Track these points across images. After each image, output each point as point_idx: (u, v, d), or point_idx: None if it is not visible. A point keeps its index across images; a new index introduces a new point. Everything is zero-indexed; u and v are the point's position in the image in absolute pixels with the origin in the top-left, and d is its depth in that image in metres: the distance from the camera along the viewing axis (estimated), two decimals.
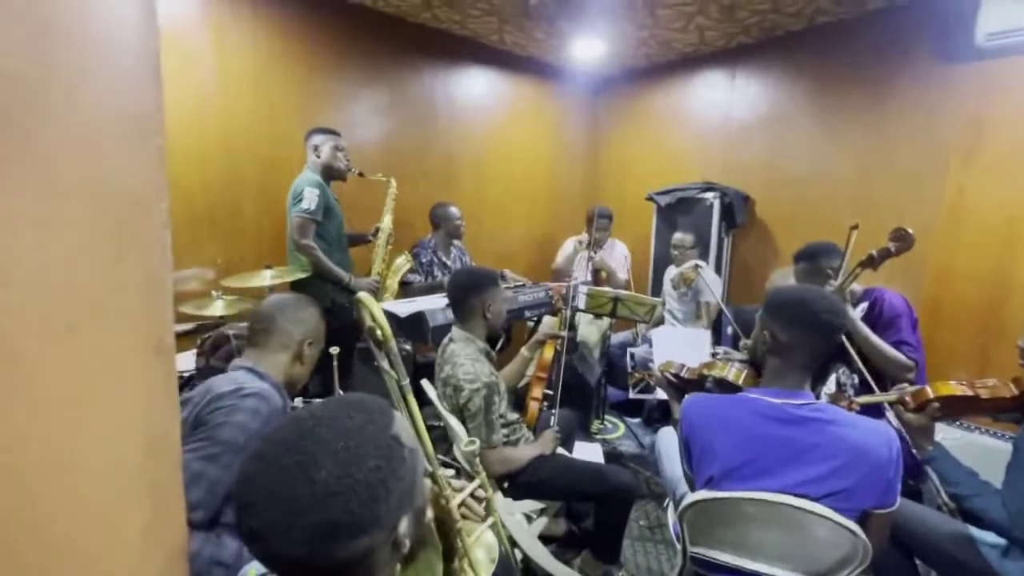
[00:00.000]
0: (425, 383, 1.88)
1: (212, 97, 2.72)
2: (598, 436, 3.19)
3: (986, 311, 2.64)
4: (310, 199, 2.36)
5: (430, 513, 0.78)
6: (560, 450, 1.97)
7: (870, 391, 1.80)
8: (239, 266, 2.61)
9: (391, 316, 2.27)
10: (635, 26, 3.25)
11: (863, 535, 1.15)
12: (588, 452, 2.41)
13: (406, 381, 0.86)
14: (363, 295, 0.88)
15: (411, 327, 2.24)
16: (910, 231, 1.75)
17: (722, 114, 3.76)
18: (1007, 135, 2.57)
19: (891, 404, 1.50)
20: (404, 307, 2.29)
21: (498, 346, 2.89)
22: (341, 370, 2.20)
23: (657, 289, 3.84)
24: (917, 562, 1.48)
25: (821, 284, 1.92)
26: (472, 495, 0.94)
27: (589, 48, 3.65)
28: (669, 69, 3.99)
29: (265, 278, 2.21)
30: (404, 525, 0.59)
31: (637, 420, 3.42)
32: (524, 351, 2.12)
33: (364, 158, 2.93)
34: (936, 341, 2.64)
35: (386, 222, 2.79)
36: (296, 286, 2.46)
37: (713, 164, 3.77)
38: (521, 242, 4.31)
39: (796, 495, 1.16)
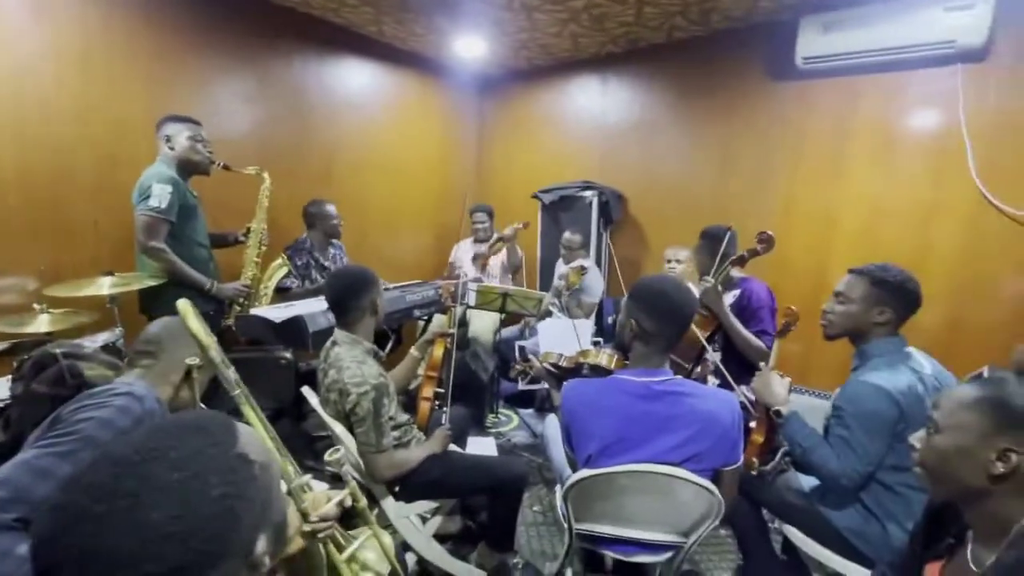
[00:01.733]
0: (306, 390, 1.78)
1: (33, 76, 2.30)
2: (492, 430, 3.25)
3: (811, 295, 3.12)
4: (159, 196, 2.08)
5: (297, 525, 0.74)
6: (453, 447, 1.98)
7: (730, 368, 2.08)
8: (70, 273, 2.25)
9: (266, 323, 2.10)
10: (514, 28, 3.34)
11: (717, 492, 1.31)
12: (482, 447, 2.45)
13: (238, 391, 0.79)
14: (181, 302, 0.80)
15: (289, 333, 2.09)
16: (772, 235, 2.07)
17: (598, 117, 4.01)
18: (822, 146, 3.07)
19: None
20: (280, 312, 2.13)
21: (388, 347, 2.81)
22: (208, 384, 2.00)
23: (546, 283, 4.01)
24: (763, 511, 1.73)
25: (712, 260, 2.23)
26: (344, 505, 0.90)
27: (471, 46, 3.68)
28: (549, 72, 4.16)
29: (103, 286, 1.92)
30: (261, 545, 0.54)
31: (530, 410, 3.54)
32: (414, 351, 2.09)
33: (230, 151, 2.66)
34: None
35: (258, 222, 2.55)
36: (147, 294, 2.17)
37: (591, 164, 4.01)
38: (410, 240, 4.25)
39: (661, 463, 1.29)
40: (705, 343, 2.11)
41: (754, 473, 1.70)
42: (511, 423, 3.41)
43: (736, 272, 2.34)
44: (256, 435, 0.61)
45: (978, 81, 2.63)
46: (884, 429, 1.40)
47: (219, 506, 0.50)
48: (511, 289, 3.01)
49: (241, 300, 2.42)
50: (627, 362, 1.44)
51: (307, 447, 2.44)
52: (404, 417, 1.80)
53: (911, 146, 2.82)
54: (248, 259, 2.49)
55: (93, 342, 1.91)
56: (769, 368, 1.74)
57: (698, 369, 2.34)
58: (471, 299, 3.02)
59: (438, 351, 2.08)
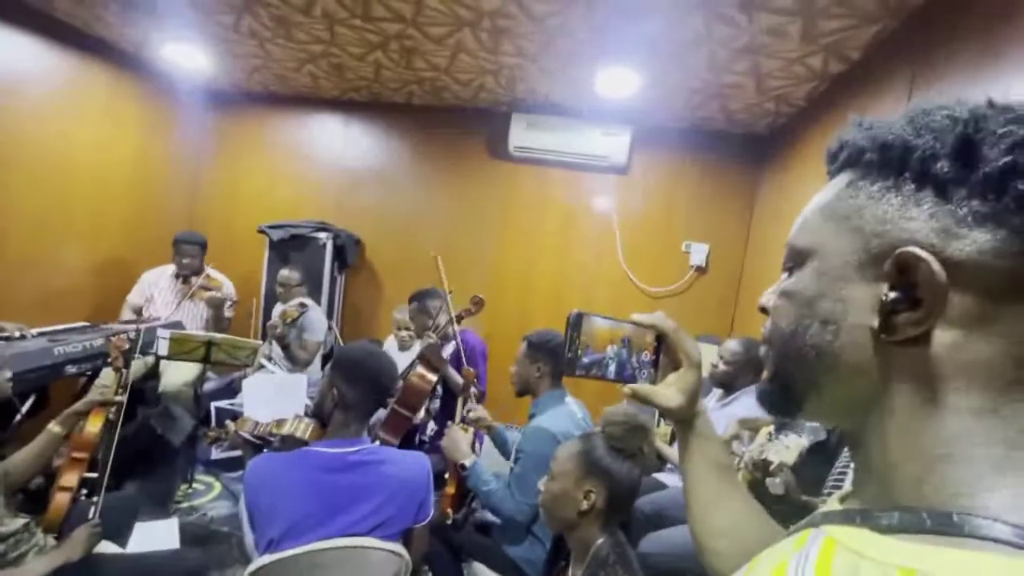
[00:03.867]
0: None
1: None
2: (184, 505, 2.72)
3: (516, 338, 3.64)
4: None
5: None
6: (106, 546, 1.57)
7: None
8: None
9: None
10: (243, 51, 3.06)
11: (406, 553, 1.37)
12: (155, 534, 2.02)
13: None
14: None
15: None
16: (483, 298, 2.53)
17: (337, 159, 3.95)
18: (524, 219, 3.70)
19: None
20: None
21: (16, 420, 2.08)
22: None
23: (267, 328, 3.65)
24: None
25: (426, 320, 2.64)
26: None
27: (185, 55, 3.20)
28: (288, 103, 3.93)
29: None
30: None
31: (237, 473, 3.10)
32: (53, 427, 1.59)
33: None
34: (491, 365, 3.47)
35: None
36: None
37: (328, 205, 3.90)
38: (83, 267, 3.32)
39: (351, 535, 1.29)
40: (431, 392, 2.33)
41: (449, 522, 1.85)
42: (211, 492, 2.92)
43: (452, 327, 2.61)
44: None
45: (623, 188, 3.61)
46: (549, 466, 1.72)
47: None
48: (217, 337, 2.63)
49: None
50: (324, 432, 1.42)
51: None
52: (17, 523, 1.35)
53: (583, 229, 3.66)
54: None
55: None
56: (455, 425, 1.94)
57: (420, 414, 2.56)
58: (162, 348, 2.51)
59: (93, 425, 1.65)
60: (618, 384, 0.60)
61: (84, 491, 1.66)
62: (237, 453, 2.64)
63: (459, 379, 2.50)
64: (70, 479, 1.60)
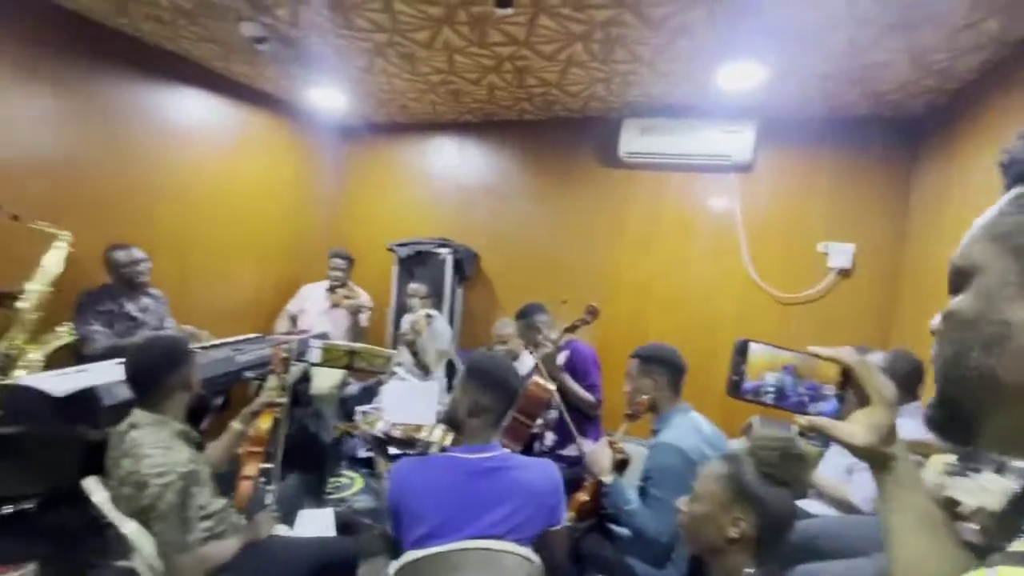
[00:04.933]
0: (91, 483, 1.51)
1: None
2: (333, 496, 3.04)
3: (632, 348, 3.56)
4: None
5: None
6: (280, 528, 1.82)
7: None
8: None
9: (41, 397, 1.74)
10: (375, 88, 3.40)
11: (537, 559, 1.41)
12: (316, 520, 2.28)
13: None
14: None
15: (74, 409, 1.76)
16: (597, 307, 2.47)
17: (454, 178, 4.20)
18: (639, 226, 3.61)
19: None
20: (63, 382, 1.79)
21: (205, 421, 2.48)
22: None
23: (397, 336, 3.97)
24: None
25: (535, 335, 2.61)
26: None
27: (330, 96, 3.64)
28: (410, 130, 4.28)
29: None
30: None
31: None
32: (235, 424, 1.89)
33: (10, 182, 2.23)
34: (607, 375, 3.43)
35: (39, 284, 2.09)
36: None
37: (447, 222, 4.15)
38: (253, 286, 3.89)
39: (487, 537, 1.35)
40: (548, 401, 2.36)
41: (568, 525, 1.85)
42: (354, 486, 3.23)
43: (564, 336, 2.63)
44: None
45: (748, 187, 3.36)
46: (684, 482, 1.65)
47: None
48: (358, 347, 2.93)
49: None
50: (460, 437, 1.51)
51: (95, 536, 2.03)
52: (219, 503, 1.61)
53: (702, 233, 3.47)
54: (19, 320, 2.02)
55: None
56: (604, 441, 1.92)
57: (539, 421, 2.59)
58: (314, 356, 2.86)
59: (265, 424, 1.92)
60: (786, 412, 0.58)
61: (262, 479, 1.93)
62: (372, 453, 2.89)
63: (579, 391, 2.49)
64: (251, 469, 1.87)
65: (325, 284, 3.68)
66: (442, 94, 3.42)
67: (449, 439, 1.68)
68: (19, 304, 2.05)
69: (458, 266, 3.90)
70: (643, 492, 1.77)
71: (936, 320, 0.42)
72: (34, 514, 2.13)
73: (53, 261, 2.12)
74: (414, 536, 1.35)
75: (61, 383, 1.77)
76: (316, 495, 2.96)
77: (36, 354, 2.11)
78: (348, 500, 3.04)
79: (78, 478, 1.59)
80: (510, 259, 4.03)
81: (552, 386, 2.53)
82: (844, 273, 3.15)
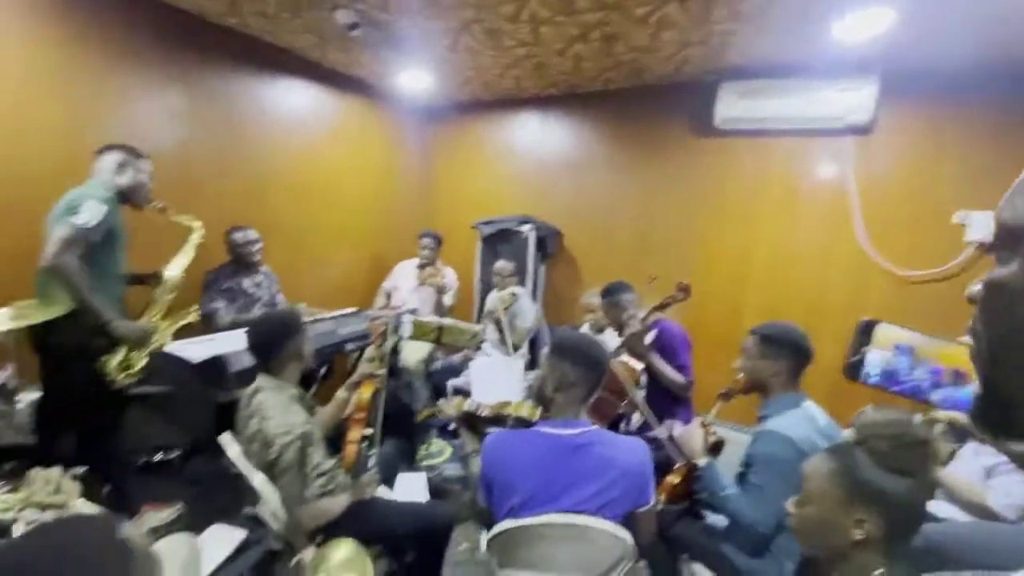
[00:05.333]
0: (226, 438, 1.71)
1: None
2: (424, 463, 3.22)
3: (727, 327, 3.37)
4: (92, 213, 1.91)
5: None
6: (381, 489, 1.96)
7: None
8: None
9: (181, 363, 1.99)
10: (459, 67, 3.42)
11: (629, 537, 1.39)
12: (411, 484, 2.43)
13: None
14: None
15: (207, 373, 2.00)
16: (688, 285, 2.35)
17: (536, 154, 4.16)
18: (737, 197, 3.36)
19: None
20: (198, 349, 2.03)
21: (313, 388, 2.72)
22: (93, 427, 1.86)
23: (482, 313, 4.07)
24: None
25: (620, 315, 2.53)
26: None
27: (416, 78, 3.72)
28: (492, 107, 4.28)
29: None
30: None
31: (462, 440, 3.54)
32: (341, 392, 2.06)
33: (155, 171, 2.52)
34: (699, 355, 3.29)
35: (173, 271, 2.31)
36: (40, 328, 1.94)
37: (529, 199, 4.14)
38: (350, 264, 4.16)
39: (577, 512, 1.36)
40: (635, 381, 2.31)
41: (658, 508, 1.80)
42: (443, 455, 3.39)
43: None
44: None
45: (865, 151, 3.00)
46: (792, 474, 1.55)
47: None
48: (447, 323, 3.04)
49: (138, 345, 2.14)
50: (547, 413, 1.51)
51: (227, 485, 2.31)
52: (330, 463, 1.76)
53: (810, 204, 3.16)
54: (155, 300, 2.25)
55: None
56: (697, 423, 1.85)
57: (624, 403, 2.54)
58: (406, 331, 3.01)
59: (366, 393, 2.06)
60: (920, 402, 0.50)
61: (365, 443, 2.08)
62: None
63: (669, 372, 2.40)
64: (355, 435, 2.02)
65: (416, 261, 3.85)
66: (526, 68, 3.37)
67: (537, 414, 1.70)
68: (164, 281, 2.31)
69: (540, 243, 3.88)
70: (741, 478, 1.68)
71: (975, 287, 0.35)
72: (179, 463, 2.48)
73: (190, 251, 2.37)
74: (506, 507, 1.39)
75: (197, 351, 2.02)
76: (409, 461, 3.16)
77: (168, 331, 2.39)
78: (438, 468, 3.20)
79: (213, 434, 1.82)
80: (594, 235, 3.94)
81: (639, 365, 2.48)
82: (987, 247, 2.73)
